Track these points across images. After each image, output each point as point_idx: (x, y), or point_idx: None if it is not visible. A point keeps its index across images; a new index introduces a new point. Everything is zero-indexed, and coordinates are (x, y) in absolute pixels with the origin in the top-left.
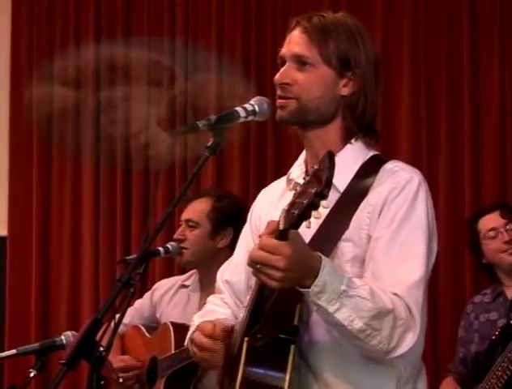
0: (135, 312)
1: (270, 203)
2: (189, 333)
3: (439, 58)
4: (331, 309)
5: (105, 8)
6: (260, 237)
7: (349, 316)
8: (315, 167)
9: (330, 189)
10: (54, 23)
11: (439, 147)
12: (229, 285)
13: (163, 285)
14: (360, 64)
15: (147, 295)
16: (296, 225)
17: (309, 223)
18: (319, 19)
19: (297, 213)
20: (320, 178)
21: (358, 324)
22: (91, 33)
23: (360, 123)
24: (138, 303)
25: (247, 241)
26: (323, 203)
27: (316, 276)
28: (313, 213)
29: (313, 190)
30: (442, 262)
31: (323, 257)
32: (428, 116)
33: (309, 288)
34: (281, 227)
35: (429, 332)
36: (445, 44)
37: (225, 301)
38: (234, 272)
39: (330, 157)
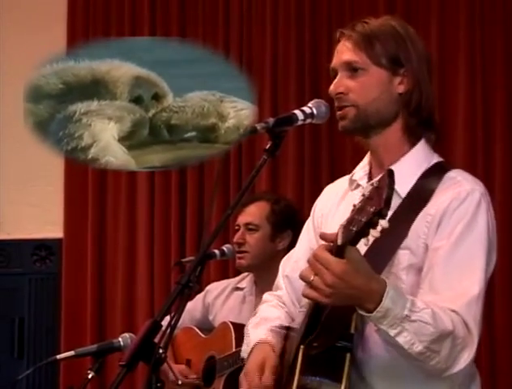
0: (187, 314)
1: (333, 202)
2: (244, 353)
3: (495, 60)
4: (392, 332)
5: (160, 8)
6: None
7: (410, 340)
8: (375, 184)
9: (389, 208)
10: (110, 23)
11: (495, 150)
12: (289, 281)
13: (215, 288)
14: (411, 60)
15: (198, 297)
16: (354, 242)
17: (367, 240)
18: (362, 26)
19: (355, 231)
20: (379, 197)
21: (418, 348)
22: (146, 34)
23: (418, 118)
24: (189, 305)
25: (309, 238)
26: (382, 222)
27: (378, 302)
28: (372, 231)
29: (371, 209)
30: (498, 270)
31: (387, 281)
32: (484, 119)
33: (371, 312)
34: (339, 242)
35: (485, 338)
36: (501, 47)
37: (282, 300)
38: (294, 268)
39: (390, 175)
